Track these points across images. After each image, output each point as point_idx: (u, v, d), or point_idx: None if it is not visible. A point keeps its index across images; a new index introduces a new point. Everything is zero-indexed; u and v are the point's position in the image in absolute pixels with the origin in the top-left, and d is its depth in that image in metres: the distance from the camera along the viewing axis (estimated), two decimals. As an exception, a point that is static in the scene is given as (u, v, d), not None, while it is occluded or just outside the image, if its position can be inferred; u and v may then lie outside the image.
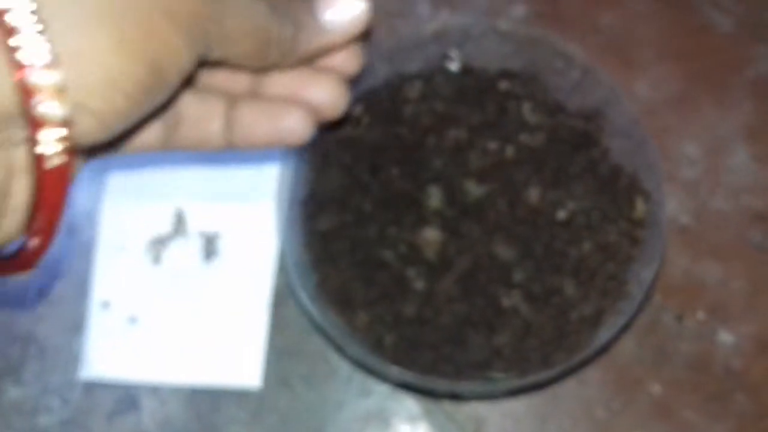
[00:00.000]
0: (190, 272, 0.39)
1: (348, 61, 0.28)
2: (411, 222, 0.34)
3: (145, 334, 0.38)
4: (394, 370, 0.31)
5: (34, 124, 0.18)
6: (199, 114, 0.27)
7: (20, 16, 0.17)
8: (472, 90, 0.36)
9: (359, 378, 0.37)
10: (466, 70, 0.36)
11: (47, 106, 0.17)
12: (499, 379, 0.32)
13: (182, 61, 0.21)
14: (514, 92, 0.36)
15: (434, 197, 0.34)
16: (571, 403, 0.37)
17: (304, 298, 0.32)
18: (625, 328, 0.36)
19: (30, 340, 0.39)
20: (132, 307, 0.39)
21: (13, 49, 0.17)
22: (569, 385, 0.37)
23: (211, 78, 0.27)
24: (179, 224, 0.40)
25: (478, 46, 0.36)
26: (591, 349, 0.32)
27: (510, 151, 0.35)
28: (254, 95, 0.27)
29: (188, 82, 0.24)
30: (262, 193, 0.39)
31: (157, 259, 0.39)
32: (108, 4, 0.18)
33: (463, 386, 0.32)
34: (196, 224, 0.40)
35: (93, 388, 0.38)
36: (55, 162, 0.18)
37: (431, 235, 0.34)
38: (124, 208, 0.40)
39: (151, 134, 0.26)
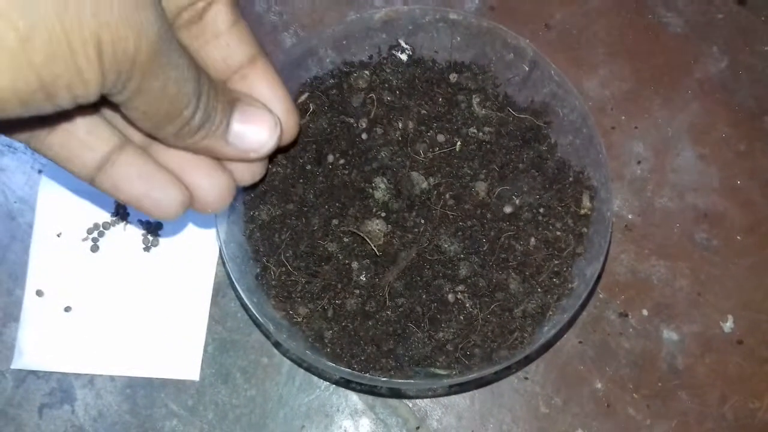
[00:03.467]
0: (129, 261, 0.38)
1: (246, 173, 0.28)
2: (356, 213, 0.33)
3: (81, 324, 0.37)
4: (332, 367, 0.30)
5: None
6: (81, 138, 0.24)
7: None
8: (421, 81, 0.35)
9: (301, 372, 0.37)
10: (416, 61, 0.36)
11: None
12: (441, 375, 0.31)
13: (84, 92, 0.20)
14: (464, 84, 0.35)
15: (380, 189, 0.33)
16: (514, 398, 0.37)
17: (241, 290, 0.31)
18: (568, 325, 0.36)
19: (-43, 329, 0.37)
20: (67, 296, 0.37)
21: None
22: (511, 380, 0.37)
23: (117, 113, 0.25)
24: (120, 212, 0.39)
25: (428, 36, 0.35)
26: (534, 346, 0.31)
27: (458, 144, 0.34)
28: (146, 151, 0.26)
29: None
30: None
31: (95, 247, 0.38)
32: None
33: (405, 383, 0.31)
34: (136, 212, 0.38)
35: (25, 378, 0.37)
36: None
37: (376, 227, 0.33)
38: (61, 194, 0.39)
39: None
